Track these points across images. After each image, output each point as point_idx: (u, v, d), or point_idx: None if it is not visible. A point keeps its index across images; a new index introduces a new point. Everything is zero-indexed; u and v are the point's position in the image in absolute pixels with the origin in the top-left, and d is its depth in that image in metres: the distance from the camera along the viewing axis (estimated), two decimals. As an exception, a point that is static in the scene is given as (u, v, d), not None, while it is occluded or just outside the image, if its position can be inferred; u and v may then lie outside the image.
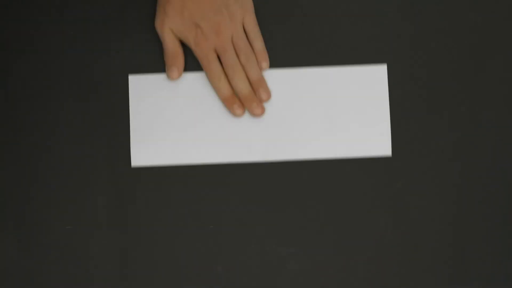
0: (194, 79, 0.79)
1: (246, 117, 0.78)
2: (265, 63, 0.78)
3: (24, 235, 0.79)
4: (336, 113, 0.79)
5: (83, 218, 0.79)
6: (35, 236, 0.79)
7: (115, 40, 0.80)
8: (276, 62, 0.79)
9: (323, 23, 0.80)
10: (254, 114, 0.78)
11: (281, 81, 0.79)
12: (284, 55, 0.80)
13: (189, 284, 0.78)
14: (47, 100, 0.80)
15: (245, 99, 0.77)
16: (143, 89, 0.79)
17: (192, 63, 0.79)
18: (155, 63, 0.80)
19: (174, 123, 0.78)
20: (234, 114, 0.78)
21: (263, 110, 0.78)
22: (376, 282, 0.78)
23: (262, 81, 0.78)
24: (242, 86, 0.77)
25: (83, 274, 0.78)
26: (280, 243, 0.78)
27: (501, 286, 0.78)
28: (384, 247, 0.78)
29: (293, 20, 0.80)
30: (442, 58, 0.80)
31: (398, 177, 0.79)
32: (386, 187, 0.78)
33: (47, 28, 0.80)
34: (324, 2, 0.80)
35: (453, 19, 0.81)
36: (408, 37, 0.80)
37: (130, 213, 0.79)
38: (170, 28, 0.77)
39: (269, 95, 0.78)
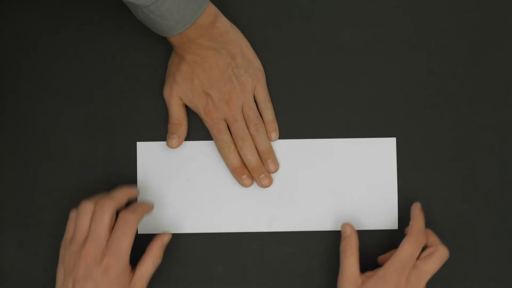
0: (202, 146, 0.79)
1: (254, 187, 0.78)
2: (275, 133, 0.78)
3: (24, 235, 0.79)
4: (344, 185, 0.79)
5: (83, 218, 0.79)
6: (35, 236, 0.79)
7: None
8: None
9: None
10: (261, 185, 0.77)
11: (289, 151, 0.79)
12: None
13: (189, 284, 0.78)
14: (47, 100, 0.80)
15: (253, 170, 0.77)
16: (150, 155, 0.79)
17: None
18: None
19: (182, 191, 0.79)
20: (242, 184, 0.77)
21: (270, 181, 0.77)
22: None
23: (271, 152, 0.78)
24: (251, 157, 0.77)
25: (83, 274, 0.78)
26: (280, 243, 0.78)
27: (501, 286, 0.78)
28: (384, 247, 0.78)
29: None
30: (442, 58, 0.80)
31: (398, 177, 0.79)
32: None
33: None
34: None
35: (453, 19, 0.81)
36: (408, 37, 0.81)
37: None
38: (179, 96, 0.76)
39: (277, 167, 0.78)
